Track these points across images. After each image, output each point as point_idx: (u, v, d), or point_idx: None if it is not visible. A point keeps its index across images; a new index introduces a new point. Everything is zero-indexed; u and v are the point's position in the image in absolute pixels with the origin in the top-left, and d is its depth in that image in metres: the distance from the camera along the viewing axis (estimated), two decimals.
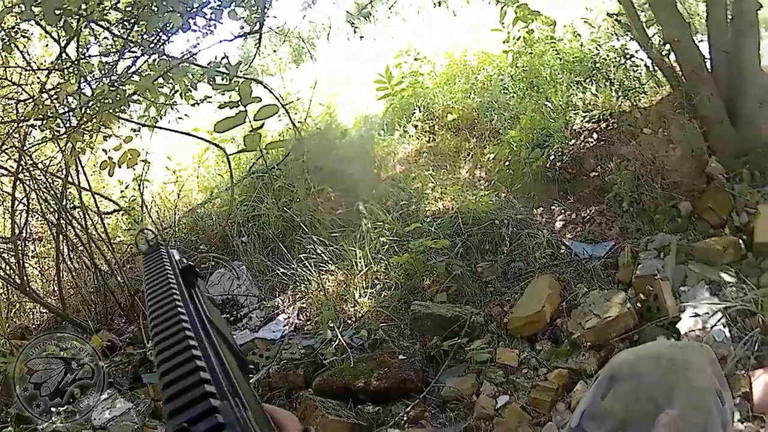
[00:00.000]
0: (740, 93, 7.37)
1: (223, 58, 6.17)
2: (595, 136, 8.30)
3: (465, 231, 7.86)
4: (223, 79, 5.91)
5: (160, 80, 6.55)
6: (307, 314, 7.63)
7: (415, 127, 10.80)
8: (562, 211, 8.10)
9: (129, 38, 6.84)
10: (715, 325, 5.42)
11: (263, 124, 5.27)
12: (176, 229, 9.47)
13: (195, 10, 6.44)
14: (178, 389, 0.67)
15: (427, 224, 7.97)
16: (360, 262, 7.78)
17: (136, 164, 6.92)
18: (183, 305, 0.90)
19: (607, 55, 9.49)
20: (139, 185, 9.25)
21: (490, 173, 9.26)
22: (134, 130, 7.94)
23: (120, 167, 6.67)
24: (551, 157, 8.36)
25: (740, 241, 6.46)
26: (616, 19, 8.76)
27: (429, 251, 7.51)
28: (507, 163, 8.95)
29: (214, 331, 0.95)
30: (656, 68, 8.30)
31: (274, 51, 10.97)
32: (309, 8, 9.80)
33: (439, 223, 8.00)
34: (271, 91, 6.70)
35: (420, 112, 10.98)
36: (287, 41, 10.86)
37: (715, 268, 6.25)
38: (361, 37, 11.22)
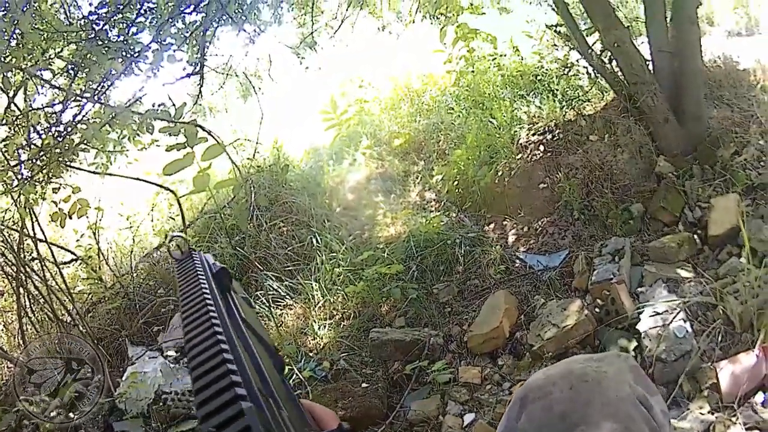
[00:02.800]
0: (684, 90, 7.26)
1: (160, 105, 6.09)
2: (541, 148, 8.15)
3: (418, 254, 7.66)
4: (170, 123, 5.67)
5: (107, 127, 6.38)
6: None
7: (364, 154, 10.66)
8: (514, 225, 7.92)
9: (73, 87, 6.70)
10: (670, 321, 5.23)
11: (210, 164, 5.10)
12: (134, 275, 9.13)
13: (135, 55, 6.47)
14: (210, 393, 0.66)
15: (380, 251, 7.81)
16: (317, 295, 7.54)
17: (86, 214, 6.72)
18: (215, 309, 0.89)
19: (550, 67, 9.39)
20: (94, 233, 8.99)
21: (439, 194, 9.10)
22: (93, 172, 7.61)
23: (71, 218, 6.52)
24: (499, 173, 8.21)
25: (695, 237, 6.32)
26: (555, 31, 8.55)
27: (384, 278, 7.32)
28: (456, 182, 8.79)
29: (249, 332, 0.96)
30: (598, 75, 8.17)
31: (220, 87, 10.65)
32: (251, 43, 9.48)
33: (392, 248, 7.83)
34: (209, 133, 6.42)
35: (367, 139, 10.88)
36: (234, 76, 10.56)
37: (672, 265, 6.09)
38: (307, 67, 10.99)
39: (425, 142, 10.24)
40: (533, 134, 8.39)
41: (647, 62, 7.37)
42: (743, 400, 4.45)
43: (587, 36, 7.91)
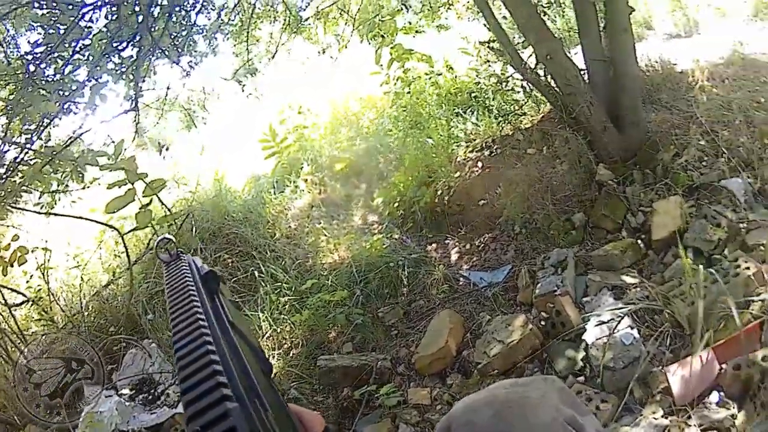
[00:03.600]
0: (621, 97, 7.18)
1: (89, 146, 6.18)
2: (479, 164, 8.08)
3: (362, 279, 7.52)
4: (109, 159, 5.55)
5: (49, 167, 6.36)
6: None
7: (305, 181, 10.51)
8: (456, 243, 7.80)
9: (11, 128, 6.63)
10: (616, 329, 5.10)
11: (152, 200, 5.13)
12: (84, 314, 8.83)
13: (72, 93, 6.39)
14: (196, 394, 0.66)
15: (324, 278, 7.70)
16: (264, 325, 7.36)
17: (26, 261, 6.67)
18: (202, 311, 0.88)
19: (485, 83, 9.29)
20: (43, 274, 8.71)
21: (381, 217, 9.01)
22: (38, 213, 7.40)
23: (12, 266, 6.51)
24: (439, 193, 8.12)
25: (639, 242, 6.22)
26: (488, 47, 8.41)
27: (329, 305, 7.18)
28: (396, 204, 8.68)
29: (237, 335, 0.93)
30: (533, 88, 8.06)
31: (157, 123, 10.41)
32: (187, 76, 9.28)
33: (336, 274, 7.72)
34: (141, 178, 6.23)
35: (308, 165, 10.76)
36: (176, 107, 10.33)
37: (617, 272, 5.97)
38: (249, 94, 10.79)
39: (365, 166, 10.13)
40: (471, 151, 8.33)
41: (582, 72, 7.29)
42: (697, 401, 4.33)
43: (521, 50, 7.86)
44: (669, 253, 5.87)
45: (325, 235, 8.78)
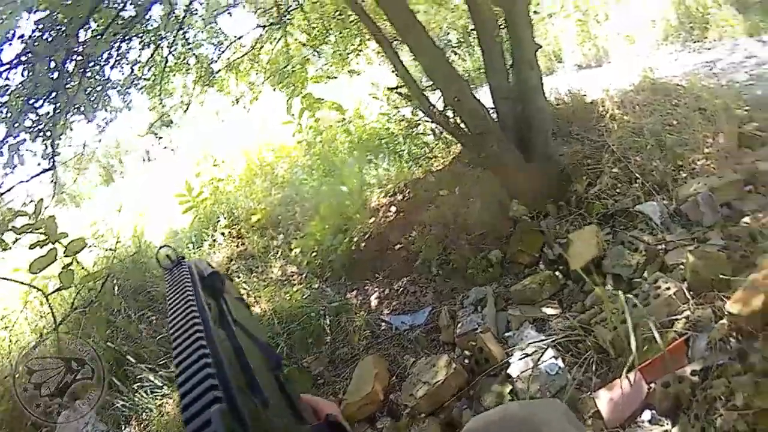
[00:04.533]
0: (531, 132, 7.18)
1: (8, 204, 6.05)
2: (393, 209, 8.05)
3: (285, 330, 7.35)
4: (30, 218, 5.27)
5: None
6: None
7: (223, 234, 10.31)
8: (376, 288, 7.67)
9: None
10: (539, 360, 5.06)
11: (74, 259, 4.94)
12: (15, 377, 8.49)
13: None
14: (190, 399, 0.70)
15: None
16: None
17: None
18: (199, 315, 0.92)
19: (395, 128, 9.32)
20: None
21: (300, 267, 8.78)
22: None
23: None
24: (355, 239, 8.02)
25: (557, 273, 6.14)
26: (397, 92, 8.30)
27: None
28: (314, 253, 8.50)
29: (241, 333, 1.01)
30: (443, 130, 8.08)
31: (75, 180, 10.13)
32: (103, 131, 9.06)
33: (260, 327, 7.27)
34: (58, 239, 6.01)
35: (225, 218, 10.55)
36: (94, 161, 10.05)
37: (537, 305, 5.91)
38: (165, 147, 10.55)
39: (282, 216, 9.97)
40: (384, 197, 8.30)
41: (491, 110, 7.29)
42: (629, 422, 4.26)
43: (430, 92, 7.81)
44: (588, 282, 5.68)
45: (245, 289, 8.57)
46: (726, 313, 4.21)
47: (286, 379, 1.18)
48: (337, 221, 8.41)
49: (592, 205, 6.53)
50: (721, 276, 4.65)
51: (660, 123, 7.23)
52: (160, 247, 1.29)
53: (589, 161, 7.12)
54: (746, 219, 5.33)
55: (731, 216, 5.57)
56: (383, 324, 7.09)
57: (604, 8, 14.22)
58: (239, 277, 8.92)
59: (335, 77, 10.53)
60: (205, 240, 10.40)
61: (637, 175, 6.56)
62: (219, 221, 10.58)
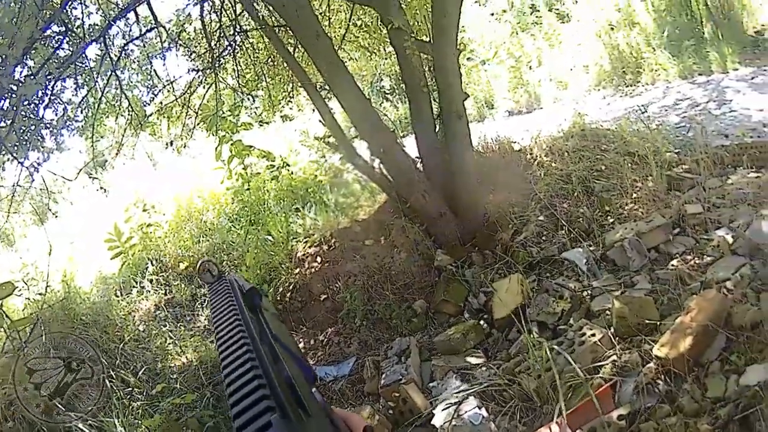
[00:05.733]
0: (457, 182, 7.10)
1: None
2: (319, 259, 7.80)
3: (210, 380, 7.11)
4: None
5: None
6: None
7: (151, 281, 9.90)
8: (301, 339, 7.39)
9: None
10: (462, 410, 4.92)
11: (1, 304, 4.93)
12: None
13: None
14: (242, 407, 0.75)
15: (174, 381, 7.29)
16: (118, 431, 6.74)
17: None
18: (245, 328, 0.99)
19: (322, 177, 9.19)
20: None
21: None
22: None
23: None
24: (280, 290, 7.76)
25: (482, 323, 6.02)
26: (323, 141, 8.16)
27: (180, 408, 6.75)
28: None
29: (279, 347, 1.04)
30: (368, 180, 7.96)
31: (8, 218, 9.77)
32: (36, 171, 8.75)
33: (185, 377, 7.29)
34: None
35: (152, 265, 10.19)
36: (28, 199, 9.71)
37: (461, 355, 5.75)
38: (98, 188, 10.20)
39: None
40: (310, 246, 8.07)
41: (418, 159, 7.25)
42: None
43: (356, 142, 7.73)
44: (513, 330, 5.71)
45: (172, 338, 8.35)
46: (653, 356, 4.14)
47: (321, 394, 1.16)
48: (263, 271, 8.26)
49: (518, 253, 6.46)
50: (647, 320, 4.57)
51: (588, 169, 7.26)
52: (201, 262, 1.39)
53: (516, 209, 7.07)
54: (674, 262, 5.30)
55: (659, 259, 5.53)
56: None
57: (537, 54, 14.42)
58: (166, 326, 8.69)
59: (268, 123, 10.38)
60: (133, 287, 10.03)
61: (563, 222, 6.52)
62: (147, 268, 10.28)
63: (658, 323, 4.53)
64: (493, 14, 13.63)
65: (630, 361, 4.34)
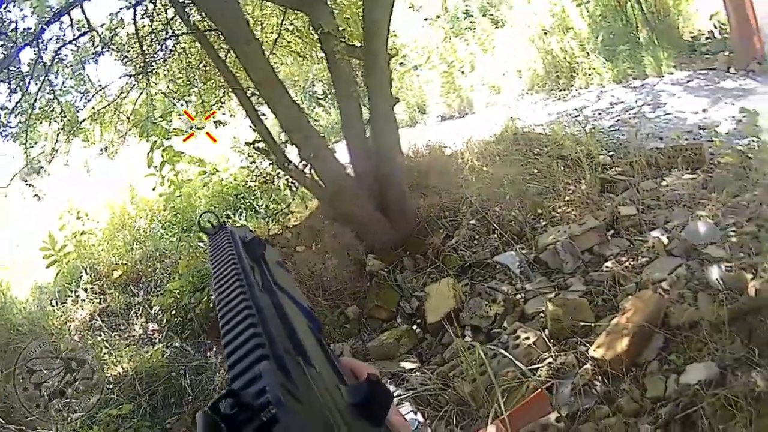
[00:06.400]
0: (387, 187, 7.06)
1: None
2: None
3: (146, 390, 6.99)
4: None
5: None
6: None
7: (86, 290, 9.53)
8: None
9: None
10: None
11: None
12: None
13: None
14: (237, 356, 0.67)
15: (110, 391, 7.08)
16: None
17: None
18: (243, 277, 0.86)
19: (253, 183, 8.84)
20: None
21: (160, 325, 8.33)
22: None
23: None
24: (212, 297, 7.33)
25: (415, 327, 5.98)
26: (255, 147, 7.99)
27: (117, 419, 6.62)
28: (173, 312, 8.11)
29: (284, 296, 0.97)
30: (299, 186, 7.79)
31: None
32: None
33: (121, 387, 7.14)
34: None
35: (87, 274, 9.83)
36: None
37: (395, 360, 5.65)
38: (33, 195, 9.89)
39: (143, 272, 9.50)
40: None
41: (348, 165, 7.23)
42: None
43: (287, 147, 7.57)
44: (446, 334, 5.61)
45: (107, 347, 8.09)
46: (590, 358, 4.14)
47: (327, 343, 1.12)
48: (196, 278, 8.10)
49: (450, 257, 6.43)
50: (582, 322, 4.56)
51: (520, 173, 7.24)
52: (202, 213, 1.60)
53: (447, 213, 7.05)
54: (609, 263, 5.30)
55: (593, 261, 5.54)
56: None
57: (470, 59, 14.45)
58: (101, 336, 8.47)
59: (200, 128, 10.14)
60: (68, 296, 9.71)
61: (495, 225, 6.50)
62: (81, 276, 9.95)
63: (594, 325, 4.52)
64: (426, 19, 13.61)
65: (566, 363, 4.32)
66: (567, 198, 6.58)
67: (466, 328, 5.33)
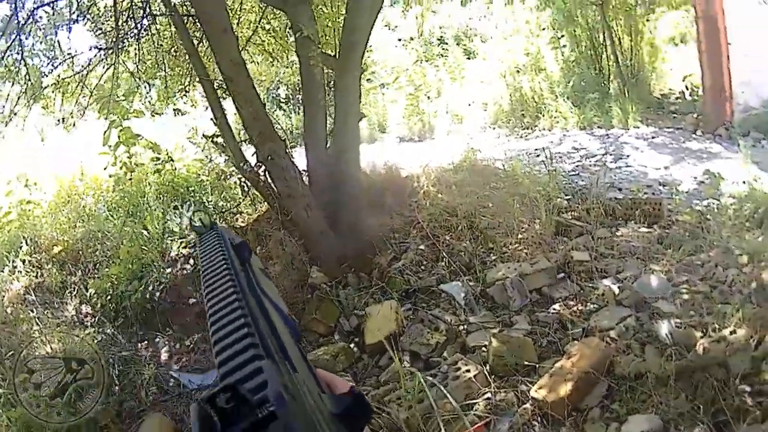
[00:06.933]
0: (340, 201, 7.08)
1: None
2: (191, 261, 7.61)
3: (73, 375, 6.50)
4: None
5: None
6: None
7: (23, 261, 9.11)
8: (167, 342, 7.15)
9: None
10: None
11: None
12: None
13: None
14: (229, 354, 0.69)
15: (37, 372, 6.66)
16: None
17: None
18: (235, 277, 0.92)
19: (206, 178, 8.98)
20: None
21: (94, 309, 7.96)
22: None
23: None
24: (150, 288, 7.43)
25: (352, 346, 5.93)
26: (212, 141, 7.87)
27: (42, 401, 6.26)
28: (109, 297, 7.78)
29: (267, 301, 1.02)
30: (252, 187, 7.67)
31: None
32: None
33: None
34: None
35: (27, 245, 9.41)
36: None
37: None
38: None
39: (83, 251, 9.08)
40: (184, 247, 7.85)
41: (305, 172, 7.19)
42: None
43: (245, 146, 7.54)
44: (384, 357, 5.60)
45: (38, 324, 7.75)
46: (530, 398, 4.12)
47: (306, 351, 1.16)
48: (135, 266, 7.85)
49: (395, 279, 6.39)
50: (526, 361, 4.55)
51: (475, 204, 7.20)
52: (194, 211, 1.72)
53: (397, 236, 7.03)
54: (556, 306, 5.30)
55: (541, 302, 5.53)
56: (172, 380, 6.64)
57: (438, 85, 14.48)
58: (33, 312, 8.11)
59: (160, 114, 9.98)
60: (6, 265, 9.24)
61: (444, 254, 6.46)
62: (21, 247, 9.51)
63: (537, 365, 4.50)
64: (400, 40, 13.61)
65: (506, 401, 4.28)
66: (520, 236, 6.56)
67: (404, 353, 5.24)
